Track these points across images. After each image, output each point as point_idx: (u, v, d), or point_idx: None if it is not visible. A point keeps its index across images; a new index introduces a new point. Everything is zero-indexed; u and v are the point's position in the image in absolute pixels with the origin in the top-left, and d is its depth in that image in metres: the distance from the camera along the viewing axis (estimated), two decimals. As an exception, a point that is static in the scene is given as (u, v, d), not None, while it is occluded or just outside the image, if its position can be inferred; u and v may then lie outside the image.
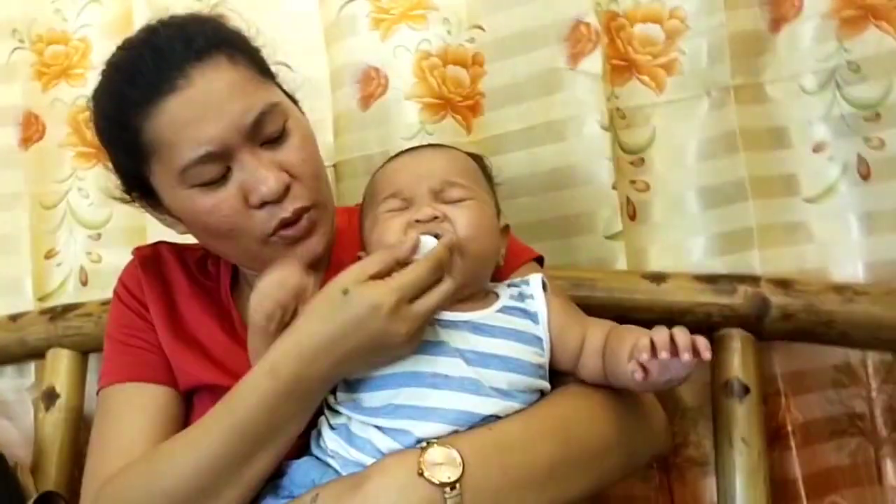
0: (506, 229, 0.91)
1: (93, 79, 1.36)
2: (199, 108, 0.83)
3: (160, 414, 0.92)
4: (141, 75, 0.84)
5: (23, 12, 1.41)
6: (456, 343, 0.79)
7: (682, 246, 1.22)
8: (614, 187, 1.18)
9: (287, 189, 0.86)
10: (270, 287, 0.77)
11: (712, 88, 1.20)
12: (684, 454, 1.23)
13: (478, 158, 0.94)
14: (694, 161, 1.21)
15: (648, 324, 1.09)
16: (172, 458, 0.81)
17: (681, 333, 0.72)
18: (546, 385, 0.83)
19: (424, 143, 1.26)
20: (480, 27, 1.27)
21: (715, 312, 1.08)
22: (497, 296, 0.85)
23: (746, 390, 1.06)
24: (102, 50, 1.40)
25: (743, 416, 1.05)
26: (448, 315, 0.81)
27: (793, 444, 1.18)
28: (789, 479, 1.17)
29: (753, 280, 1.08)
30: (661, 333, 0.73)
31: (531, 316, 0.83)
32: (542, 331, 0.83)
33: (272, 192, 0.84)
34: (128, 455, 0.86)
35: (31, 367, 1.41)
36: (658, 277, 1.11)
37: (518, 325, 0.83)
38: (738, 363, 1.07)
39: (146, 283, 0.99)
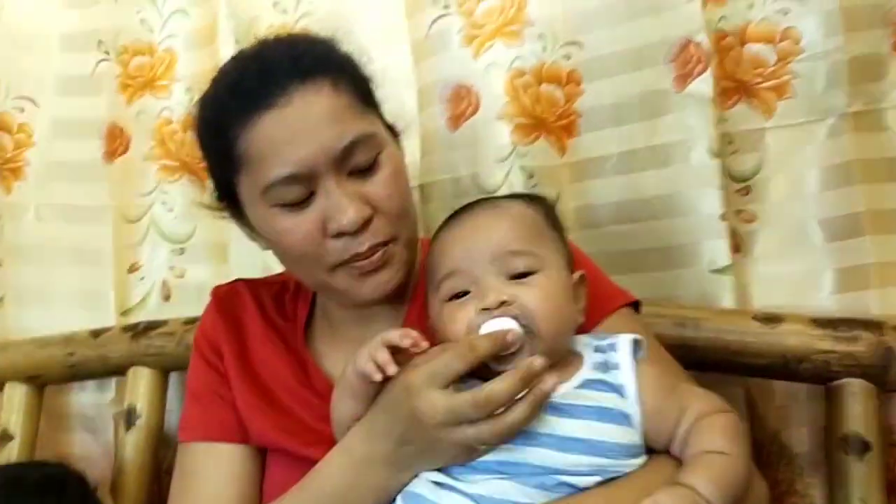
0: (581, 280, 0.83)
1: (178, 91, 1.40)
2: (293, 128, 0.82)
3: (233, 476, 0.93)
4: (243, 87, 0.84)
5: (109, 23, 1.40)
6: (532, 426, 0.72)
7: (792, 283, 1.13)
8: (723, 218, 1.11)
9: (367, 223, 0.84)
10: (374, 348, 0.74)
11: (827, 114, 1.12)
12: (788, 503, 1.15)
13: (538, 202, 0.86)
14: (806, 192, 1.13)
15: (760, 370, 1.04)
16: None
17: None
18: (641, 462, 0.75)
19: (516, 166, 1.21)
20: (577, 43, 1.20)
21: (834, 361, 1.00)
22: (580, 360, 0.78)
23: (867, 446, 0.98)
24: (187, 62, 1.40)
25: (863, 475, 0.98)
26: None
27: (908, 499, 1.10)
28: (904, 537, 1.09)
29: (877, 326, 1.00)
30: None
31: (617, 389, 0.75)
32: (631, 406, 0.75)
33: (351, 223, 0.82)
34: None
35: (112, 381, 1.41)
36: (772, 319, 1.04)
37: (602, 400, 0.74)
38: (859, 416, 0.99)
39: (222, 327, 0.99)
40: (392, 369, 0.72)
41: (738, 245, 1.16)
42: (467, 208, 0.85)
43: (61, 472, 1.13)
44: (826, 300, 1.10)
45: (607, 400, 0.74)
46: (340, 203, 0.82)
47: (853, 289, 1.10)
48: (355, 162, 0.84)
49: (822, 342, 1.01)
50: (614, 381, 0.75)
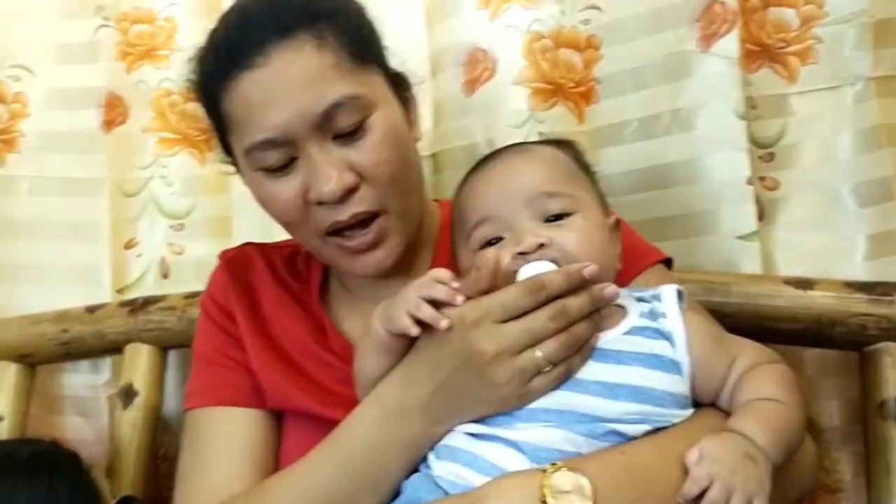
0: (617, 224, 0.80)
1: (178, 61, 1.34)
2: (270, 90, 0.77)
3: (248, 442, 0.87)
4: (224, 46, 0.81)
5: (109, -11, 1.35)
6: (580, 374, 0.68)
7: (819, 250, 1.10)
8: (749, 182, 1.07)
9: (351, 191, 0.79)
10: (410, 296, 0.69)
11: (851, 80, 1.09)
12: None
13: (567, 146, 0.82)
14: (831, 158, 1.10)
15: (793, 335, 1.00)
16: (279, 494, 0.77)
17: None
18: (689, 413, 0.70)
19: (533, 132, 1.17)
20: (597, 7, 1.17)
21: (871, 324, 0.96)
22: (624, 311, 0.73)
23: (905, 412, 0.94)
24: (188, 31, 1.36)
25: (902, 442, 0.94)
26: None
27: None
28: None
29: (914, 288, 0.97)
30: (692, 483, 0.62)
31: (667, 337, 0.71)
32: (680, 354, 0.70)
33: (331, 193, 0.78)
34: (217, 490, 0.82)
35: (107, 362, 1.34)
36: (804, 283, 1.00)
37: (652, 348, 0.70)
38: (896, 381, 0.95)
39: (232, 289, 0.94)
40: (444, 323, 0.67)
41: (762, 213, 1.12)
42: (494, 154, 0.81)
43: (53, 450, 1.06)
44: (857, 266, 1.07)
45: (657, 347, 0.70)
46: (321, 171, 0.78)
47: (884, 255, 1.07)
48: (338, 126, 0.79)
49: (857, 305, 0.97)
50: (663, 328, 0.71)
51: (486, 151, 1.15)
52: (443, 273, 0.70)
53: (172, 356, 1.27)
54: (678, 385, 0.70)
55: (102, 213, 1.34)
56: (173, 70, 1.35)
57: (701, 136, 1.10)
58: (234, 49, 0.79)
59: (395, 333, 0.70)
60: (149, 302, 1.25)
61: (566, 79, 1.18)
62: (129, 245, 1.36)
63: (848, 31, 1.09)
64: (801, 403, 0.70)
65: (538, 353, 0.66)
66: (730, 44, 1.08)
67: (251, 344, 0.89)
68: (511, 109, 1.18)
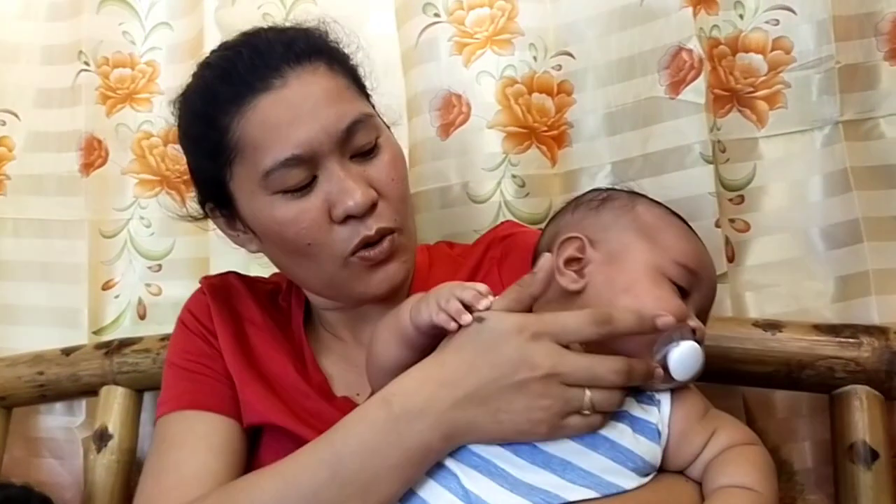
0: None
1: (159, 104, 1.37)
2: (292, 109, 0.79)
3: (224, 446, 0.84)
4: (236, 72, 0.82)
5: (90, 35, 1.37)
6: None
7: (787, 292, 1.11)
8: (717, 225, 1.09)
9: (373, 206, 0.81)
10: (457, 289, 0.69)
11: (819, 124, 1.11)
12: (788, 524, 1.11)
13: None
14: (800, 201, 1.12)
15: (762, 378, 1.01)
16: (255, 490, 0.71)
17: None
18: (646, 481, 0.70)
19: (507, 175, 1.19)
20: (569, 54, 1.19)
21: (838, 367, 0.96)
22: None
23: (875, 455, 0.94)
24: (169, 75, 1.38)
25: (871, 485, 0.94)
26: None
27: (916, 514, 1.06)
28: (913, 555, 1.05)
29: (881, 332, 0.97)
30: None
31: (657, 404, 0.71)
32: (663, 424, 0.70)
33: (358, 206, 0.79)
34: (187, 487, 0.78)
35: (83, 404, 1.34)
36: (773, 326, 1.00)
37: (639, 411, 0.70)
38: (865, 424, 0.95)
39: (215, 311, 0.93)
40: (467, 318, 0.66)
41: (732, 255, 1.14)
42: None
43: (24, 495, 1.07)
44: (828, 308, 1.08)
45: (648, 413, 0.70)
46: (346, 185, 0.79)
47: (853, 297, 1.07)
48: (357, 144, 0.81)
49: (825, 348, 0.98)
50: (654, 395, 0.72)
51: (461, 194, 1.19)
52: (481, 286, 0.69)
53: (148, 398, 1.27)
54: (653, 453, 0.69)
55: (82, 254, 1.34)
56: (154, 113, 1.37)
57: (670, 180, 1.12)
58: (249, 75, 0.80)
59: (423, 329, 0.69)
60: (124, 344, 1.25)
61: (539, 123, 1.20)
62: (106, 286, 1.37)
63: (814, 77, 1.11)
64: (776, 491, 0.68)
65: (588, 392, 0.65)
66: (697, 90, 1.09)
67: (232, 362, 0.89)
68: (485, 153, 1.19)
